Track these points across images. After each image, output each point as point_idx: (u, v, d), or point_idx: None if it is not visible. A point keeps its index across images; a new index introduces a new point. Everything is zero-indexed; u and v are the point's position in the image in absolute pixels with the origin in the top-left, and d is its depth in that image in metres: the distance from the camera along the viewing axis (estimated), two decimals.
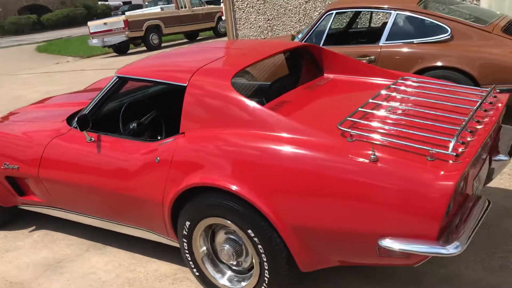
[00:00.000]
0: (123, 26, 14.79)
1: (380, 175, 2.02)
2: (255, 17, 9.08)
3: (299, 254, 2.27)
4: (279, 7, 8.80)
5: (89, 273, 3.07)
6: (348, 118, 2.34)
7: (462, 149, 2.11)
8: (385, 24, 4.90)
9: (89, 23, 15.95)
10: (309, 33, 5.15)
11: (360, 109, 2.45)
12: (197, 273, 2.65)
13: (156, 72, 2.85)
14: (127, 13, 15.73)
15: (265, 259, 2.33)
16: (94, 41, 15.45)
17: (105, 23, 15.22)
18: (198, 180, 2.40)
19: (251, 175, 2.27)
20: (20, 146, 3.34)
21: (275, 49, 3.08)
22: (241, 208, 2.31)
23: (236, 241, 2.49)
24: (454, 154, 2.02)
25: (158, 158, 2.58)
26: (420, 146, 2.09)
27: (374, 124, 2.31)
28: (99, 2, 42.35)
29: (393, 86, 2.83)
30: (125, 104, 3.25)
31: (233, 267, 2.57)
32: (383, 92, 2.72)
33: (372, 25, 6.46)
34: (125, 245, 3.31)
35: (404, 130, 2.24)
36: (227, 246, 2.48)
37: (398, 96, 2.69)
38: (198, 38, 17.95)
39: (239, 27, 9.34)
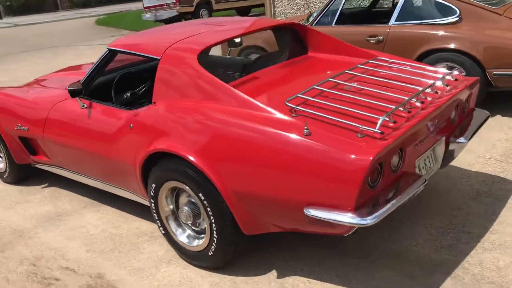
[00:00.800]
0: (175, 1, 15.13)
1: (309, 148, 2.16)
2: None
3: (241, 218, 2.45)
4: None
5: (80, 226, 3.41)
6: (299, 95, 2.47)
7: (393, 127, 2.20)
8: (396, 4, 4.86)
9: None
10: (323, 12, 5.19)
11: (315, 86, 2.57)
12: (163, 231, 2.89)
13: (138, 46, 3.08)
14: None
15: (213, 221, 2.53)
16: (147, 15, 15.93)
17: None
18: (159, 146, 2.62)
19: (203, 144, 2.46)
20: (30, 109, 3.70)
21: (255, 26, 3.22)
22: (194, 174, 2.51)
23: (195, 204, 2.70)
24: (380, 131, 2.12)
25: (132, 124, 2.83)
26: (352, 123, 2.20)
27: (322, 101, 2.42)
28: None
29: (361, 66, 2.91)
30: (119, 75, 3.52)
31: (193, 227, 2.80)
32: (347, 71, 2.81)
33: (385, 5, 6.37)
34: (118, 205, 3.61)
35: (347, 108, 2.35)
36: (186, 208, 2.71)
37: (360, 76, 2.77)
38: (250, 14, 18.00)
39: (276, 3, 9.40)
